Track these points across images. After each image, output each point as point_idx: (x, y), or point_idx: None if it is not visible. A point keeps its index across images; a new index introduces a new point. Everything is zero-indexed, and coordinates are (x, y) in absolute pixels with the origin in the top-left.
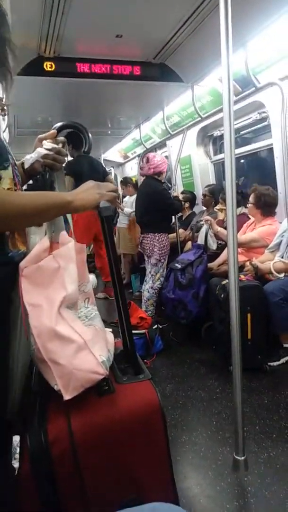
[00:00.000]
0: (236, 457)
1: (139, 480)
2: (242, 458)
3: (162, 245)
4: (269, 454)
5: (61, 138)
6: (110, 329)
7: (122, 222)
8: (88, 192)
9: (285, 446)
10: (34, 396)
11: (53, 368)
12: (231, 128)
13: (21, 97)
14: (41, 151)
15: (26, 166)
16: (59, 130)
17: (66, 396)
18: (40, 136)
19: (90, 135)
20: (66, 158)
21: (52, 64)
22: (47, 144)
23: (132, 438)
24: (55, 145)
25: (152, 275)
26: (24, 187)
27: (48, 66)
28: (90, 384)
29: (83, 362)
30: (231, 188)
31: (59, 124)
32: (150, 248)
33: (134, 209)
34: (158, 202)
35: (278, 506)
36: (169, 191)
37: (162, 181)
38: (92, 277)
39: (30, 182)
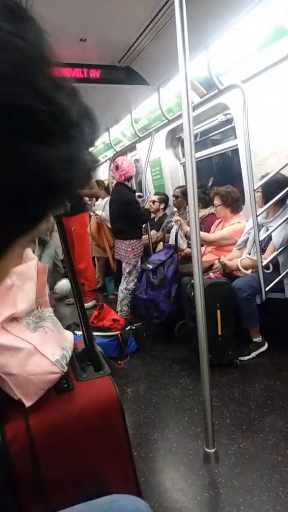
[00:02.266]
0: (207, 450)
1: (101, 474)
2: (212, 450)
3: (135, 252)
4: (239, 445)
5: None
6: (80, 332)
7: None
8: None
9: (254, 436)
10: None
11: (8, 380)
12: (191, 132)
13: None
14: None
15: None
16: None
17: (28, 403)
18: None
19: None
20: None
21: None
22: None
23: (91, 433)
24: None
25: (125, 276)
26: None
27: None
28: (50, 385)
29: (36, 366)
30: (192, 189)
31: None
32: (124, 254)
33: (105, 212)
34: (128, 212)
35: (247, 493)
36: (144, 198)
37: (133, 188)
38: (65, 282)
39: None
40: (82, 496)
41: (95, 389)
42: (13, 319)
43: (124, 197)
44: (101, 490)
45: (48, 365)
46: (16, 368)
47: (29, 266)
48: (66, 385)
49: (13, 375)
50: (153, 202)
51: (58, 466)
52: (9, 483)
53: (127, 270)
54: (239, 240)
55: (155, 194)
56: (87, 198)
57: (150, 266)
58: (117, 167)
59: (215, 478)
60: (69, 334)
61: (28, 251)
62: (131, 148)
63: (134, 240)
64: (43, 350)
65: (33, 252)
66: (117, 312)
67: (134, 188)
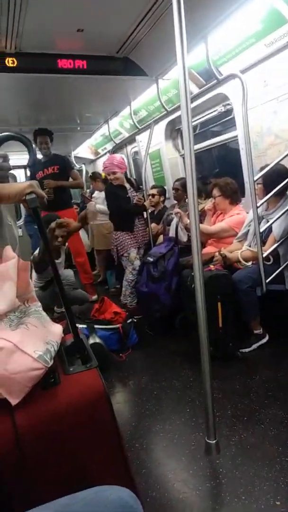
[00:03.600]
0: (208, 441)
1: (90, 468)
2: (214, 441)
3: (123, 244)
4: (240, 436)
5: (1, 153)
6: (84, 325)
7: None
8: (18, 184)
9: (255, 427)
10: None
11: None
12: (189, 123)
13: None
14: None
15: None
16: (0, 142)
17: (14, 402)
18: None
19: (34, 147)
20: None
21: (14, 60)
22: None
23: (79, 427)
24: None
25: (125, 268)
26: None
27: (10, 62)
28: (34, 381)
29: (17, 364)
30: (192, 181)
31: (0, 136)
32: (121, 245)
33: (104, 206)
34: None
35: (248, 483)
36: (139, 191)
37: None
38: (70, 271)
39: None
40: (71, 490)
41: (81, 382)
42: None
43: (114, 194)
44: (90, 484)
45: (30, 361)
46: None
47: (8, 266)
48: (52, 380)
49: None
50: (153, 195)
51: (46, 462)
52: None
53: (123, 262)
54: (240, 232)
55: (153, 187)
56: (86, 190)
57: (151, 259)
58: (114, 173)
59: (217, 469)
60: (56, 328)
61: (8, 249)
62: (130, 140)
63: (122, 233)
64: (24, 347)
65: (14, 250)
66: (124, 303)
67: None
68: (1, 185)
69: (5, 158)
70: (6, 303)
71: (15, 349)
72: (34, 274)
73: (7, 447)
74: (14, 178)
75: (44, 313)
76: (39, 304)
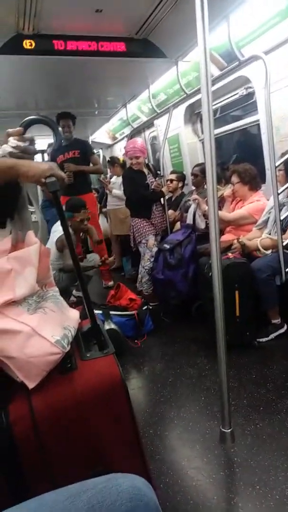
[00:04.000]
0: (223, 429)
1: (106, 453)
2: (229, 430)
3: (141, 231)
4: (256, 426)
5: (28, 136)
6: (100, 311)
7: (112, 204)
8: (38, 164)
9: (271, 417)
10: None
11: (9, 363)
12: (210, 106)
13: (0, 77)
14: (6, 148)
15: None
16: (27, 125)
17: (31, 385)
18: (8, 130)
19: (60, 130)
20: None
21: (32, 42)
22: (12, 141)
23: (95, 412)
24: (20, 143)
25: (142, 256)
26: None
27: (27, 44)
28: (52, 366)
29: (35, 348)
30: (211, 167)
31: (27, 119)
32: (138, 232)
33: (121, 191)
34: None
35: (262, 474)
36: (158, 177)
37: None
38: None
39: None
40: (87, 475)
41: (98, 368)
42: (13, 302)
43: (133, 179)
44: (106, 469)
45: (48, 346)
46: (15, 351)
47: (30, 251)
48: (69, 365)
49: (13, 358)
50: (171, 181)
51: (62, 446)
52: (14, 464)
53: (140, 249)
54: (260, 220)
55: (172, 172)
56: (102, 176)
57: (167, 246)
58: (136, 158)
59: (231, 458)
60: (73, 313)
61: (31, 234)
62: (148, 125)
63: (139, 219)
64: (42, 331)
65: (36, 235)
66: (139, 290)
67: (148, 165)
68: (21, 161)
69: (32, 142)
70: (26, 288)
71: (33, 333)
72: (52, 255)
73: (25, 430)
74: None
75: (61, 298)
76: (56, 289)
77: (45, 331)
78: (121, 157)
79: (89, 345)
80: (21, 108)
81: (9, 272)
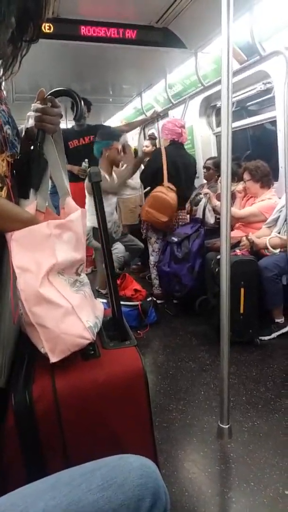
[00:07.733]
0: (221, 425)
1: (120, 439)
2: (227, 426)
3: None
4: (254, 423)
5: (49, 97)
6: (104, 300)
7: (122, 193)
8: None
9: (269, 415)
10: (21, 357)
11: (41, 332)
12: (229, 99)
13: None
14: (29, 114)
15: (22, 135)
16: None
17: (53, 359)
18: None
19: (81, 102)
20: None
21: (51, 25)
22: (33, 105)
23: (115, 400)
24: (38, 105)
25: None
26: None
27: (46, 27)
28: (77, 349)
29: (70, 326)
30: (227, 161)
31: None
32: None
33: (134, 180)
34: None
35: (257, 470)
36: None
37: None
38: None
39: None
40: (102, 455)
41: (121, 359)
42: (58, 272)
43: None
44: (121, 452)
45: (82, 329)
46: (50, 322)
47: (72, 218)
48: (92, 352)
49: (46, 328)
50: (207, 168)
51: (80, 428)
52: (34, 441)
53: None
54: (270, 218)
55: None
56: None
57: (175, 239)
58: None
59: (227, 453)
60: (99, 303)
61: (70, 201)
62: (163, 115)
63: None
64: (80, 313)
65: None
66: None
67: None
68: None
69: (53, 103)
70: (67, 254)
71: (72, 312)
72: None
73: (47, 408)
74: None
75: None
76: (85, 276)
77: (82, 313)
78: (133, 146)
79: (109, 335)
80: (34, 92)
81: (49, 236)
